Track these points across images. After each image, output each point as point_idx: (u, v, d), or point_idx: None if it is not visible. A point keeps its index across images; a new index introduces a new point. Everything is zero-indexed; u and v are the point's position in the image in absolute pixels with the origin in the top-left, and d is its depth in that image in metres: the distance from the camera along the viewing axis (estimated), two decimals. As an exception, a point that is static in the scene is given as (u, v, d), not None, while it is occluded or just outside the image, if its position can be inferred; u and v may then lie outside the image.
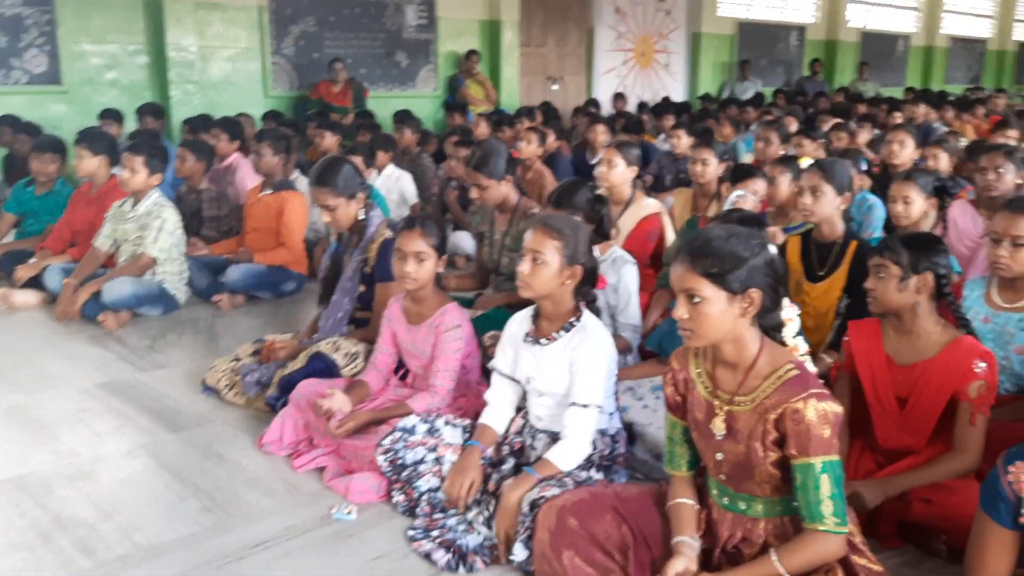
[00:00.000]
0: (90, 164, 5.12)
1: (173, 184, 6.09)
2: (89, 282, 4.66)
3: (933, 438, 2.56)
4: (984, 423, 2.46)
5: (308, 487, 2.92)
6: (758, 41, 14.45)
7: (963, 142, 7.48)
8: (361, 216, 3.56)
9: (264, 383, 3.42)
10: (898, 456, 2.60)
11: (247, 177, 5.99)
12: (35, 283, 5.01)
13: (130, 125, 7.70)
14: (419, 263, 3.01)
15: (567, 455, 2.57)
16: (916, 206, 3.74)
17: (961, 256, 4.02)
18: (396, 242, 3.07)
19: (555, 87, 12.11)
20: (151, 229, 4.67)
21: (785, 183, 4.38)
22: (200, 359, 4.08)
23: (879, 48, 16.37)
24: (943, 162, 5.22)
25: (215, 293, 5.01)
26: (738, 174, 4.35)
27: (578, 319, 2.65)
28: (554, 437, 2.66)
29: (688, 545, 2.11)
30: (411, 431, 2.77)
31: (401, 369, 3.29)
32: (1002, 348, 2.83)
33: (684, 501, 2.21)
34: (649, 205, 4.41)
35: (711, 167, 4.76)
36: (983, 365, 2.45)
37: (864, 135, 7.30)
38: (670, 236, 4.45)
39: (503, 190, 3.92)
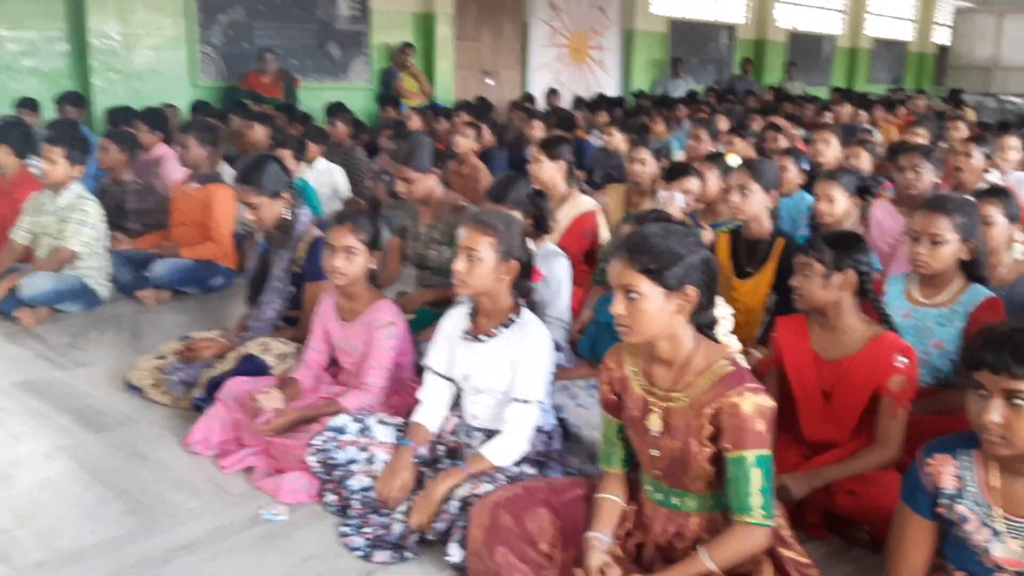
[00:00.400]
0: None
1: (95, 176, 5.89)
2: (5, 277, 4.47)
3: (857, 431, 2.63)
4: (905, 416, 2.54)
5: (236, 488, 2.85)
6: (690, 39, 14.67)
7: (878, 138, 7.72)
8: (287, 216, 3.49)
9: (190, 383, 3.33)
10: (823, 449, 2.67)
11: (173, 169, 5.83)
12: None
13: (51, 115, 7.42)
14: (348, 258, 2.97)
15: (504, 451, 2.57)
16: (839, 205, 3.84)
17: (882, 253, 4.14)
18: (326, 236, 3.02)
19: (490, 81, 12.09)
20: (72, 222, 4.51)
21: (714, 180, 4.46)
22: (123, 357, 3.95)
23: (806, 48, 16.78)
24: (865, 161, 5.37)
25: (139, 288, 4.86)
26: (673, 173, 4.40)
27: (518, 315, 2.65)
28: (491, 435, 2.65)
29: (599, 540, 2.14)
30: (342, 430, 2.73)
31: (333, 366, 3.24)
32: (921, 343, 2.92)
33: (608, 497, 2.24)
34: (584, 203, 4.44)
35: (648, 166, 4.80)
36: (904, 360, 2.53)
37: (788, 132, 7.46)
38: (604, 234, 4.49)
39: (429, 183, 3.90)
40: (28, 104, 7.32)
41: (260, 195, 3.41)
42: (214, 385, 3.18)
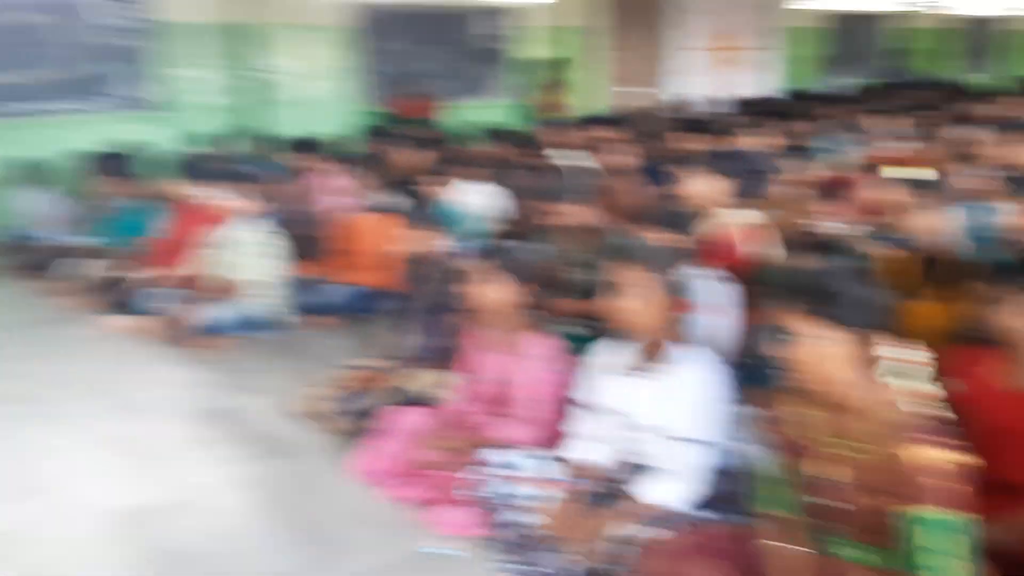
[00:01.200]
0: None
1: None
2: None
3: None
4: None
5: (402, 519, 2.90)
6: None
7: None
8: None
9: (357, 412, 3.42)
10: None
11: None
12: None
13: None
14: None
15: (668, 491, 2.48)
16: None
17: None
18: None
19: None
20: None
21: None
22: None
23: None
24: None
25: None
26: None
27: (684, 348, 2.55)
28: (654, 474, 2.56)
29: None
30: (504, 465, 2.72)
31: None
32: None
33: (800, 549, 2.08)
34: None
35: None
36: None
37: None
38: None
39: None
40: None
41: None
42: (373, 414, 3.25)
